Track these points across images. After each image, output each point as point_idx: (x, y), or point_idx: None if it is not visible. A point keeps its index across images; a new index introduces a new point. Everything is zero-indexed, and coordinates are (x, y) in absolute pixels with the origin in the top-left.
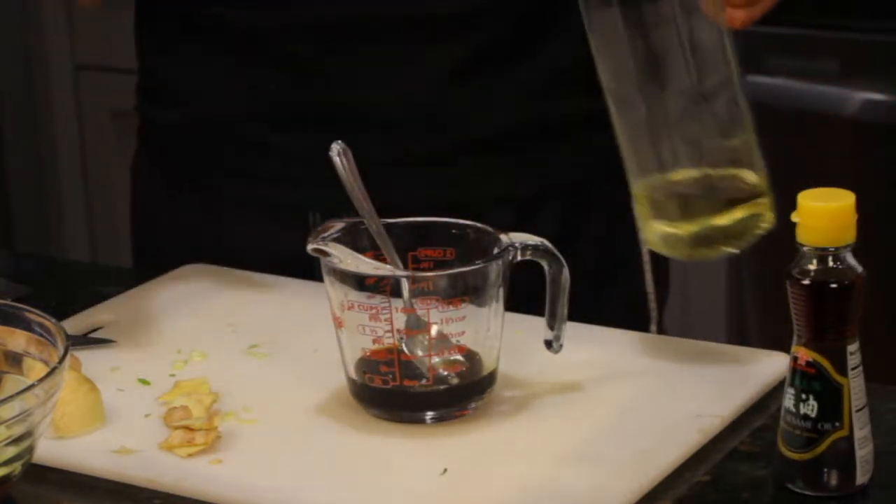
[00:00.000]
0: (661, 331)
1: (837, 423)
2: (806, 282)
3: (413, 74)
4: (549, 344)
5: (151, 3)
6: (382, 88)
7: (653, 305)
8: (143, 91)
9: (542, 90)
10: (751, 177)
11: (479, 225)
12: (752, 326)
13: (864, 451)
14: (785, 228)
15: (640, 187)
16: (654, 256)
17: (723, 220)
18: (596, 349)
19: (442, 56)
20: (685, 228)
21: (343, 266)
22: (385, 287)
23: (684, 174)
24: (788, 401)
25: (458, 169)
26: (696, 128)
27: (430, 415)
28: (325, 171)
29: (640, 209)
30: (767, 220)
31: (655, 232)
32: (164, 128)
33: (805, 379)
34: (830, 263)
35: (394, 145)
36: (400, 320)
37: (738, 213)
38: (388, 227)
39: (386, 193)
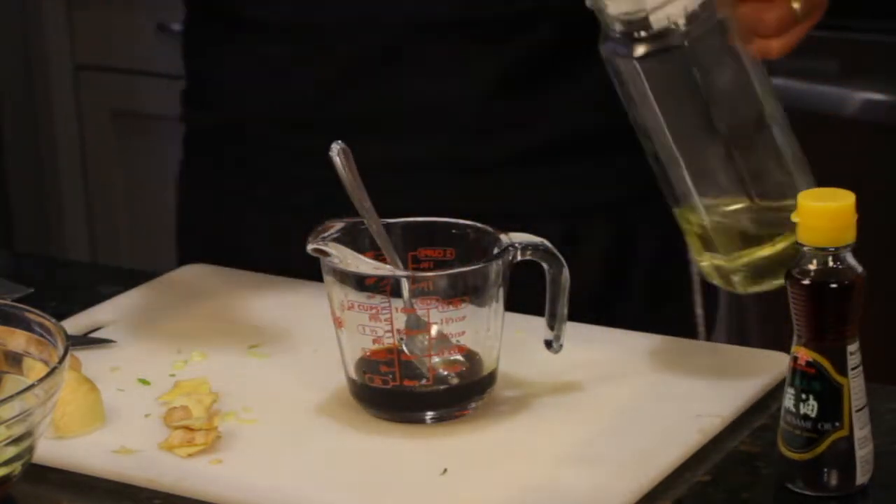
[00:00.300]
0: None
1: (837, 423)
2: (806, 282)
3: (460, 80)
4: (549, 344)
5: (199, 4)
6: (429, 94)
7: (701, 329)
8: (187, 97)
9: (590, 103)
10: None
11: (479, 225)
12: (752, 326)
13: (864, 451)
14: None
15: (684, 223)
16: (704, 280)
17: (771, 249)
18: (596, 349)
19: (490, 62)
20: (735, 262)
21: (343, 266)
22: (385, 287)
23: (727, 209)
24: (788, 401)
25: (503, 178)
26: (733, 167)
27: (430, 415)
28: (369, 175)
29: (691, 242)
30: None
31: (709, 264)
32: (204, 133)
33: (805, 379)
34: (830, 263)
35: (438, 152)
36: (400, 320)
37: (785, 242)
38: (387, 227)
39: (427, 200)
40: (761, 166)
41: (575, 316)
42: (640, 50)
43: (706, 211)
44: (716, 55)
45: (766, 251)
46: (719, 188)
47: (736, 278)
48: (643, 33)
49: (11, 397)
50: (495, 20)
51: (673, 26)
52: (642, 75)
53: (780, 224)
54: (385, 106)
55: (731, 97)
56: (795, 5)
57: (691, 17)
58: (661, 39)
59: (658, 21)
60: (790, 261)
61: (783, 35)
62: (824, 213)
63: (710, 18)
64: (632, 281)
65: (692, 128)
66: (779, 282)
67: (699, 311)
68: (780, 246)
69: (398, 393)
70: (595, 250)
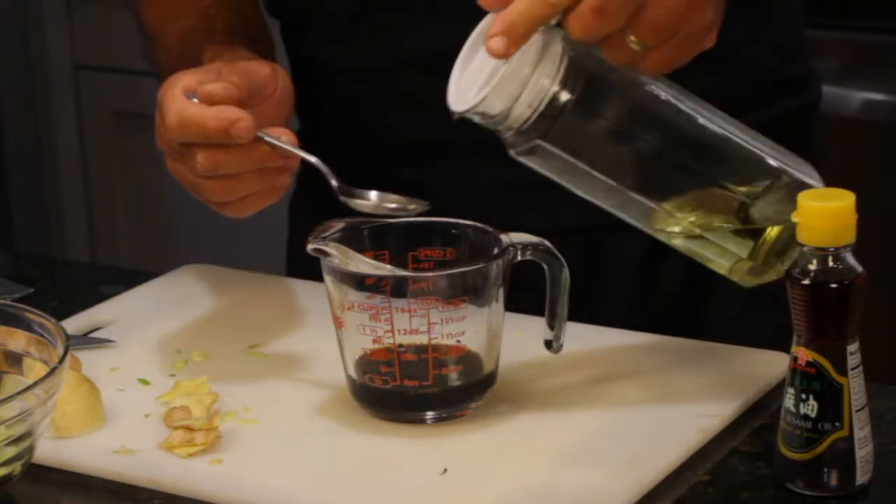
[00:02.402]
0: None
1: (837, 423)
2: (806, 282)
3: None
4: (549, 344)
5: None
6: None
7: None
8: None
9: None
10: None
11: (479, 225)
12: None
13: (864, 451)
14: None
15: (683, 245)
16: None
17: (753, 256)
18: (596, 349)
19: None
20: (724, 268)
21: (343, 266)
22: (385, 287)
23: (688, 227)
24: (788, 401)
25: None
26: (694, 195)
27: (430, 415)
28: (448, 200)
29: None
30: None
31: (728, 269)
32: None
33: (805, 379)
34: (830, 263)
35: (507, 169)
36: (400, 320)
37: (764, 247)
38: (388, 227)
39: (504, 216)
40: (704, 178)
41: (661, 326)
42: (514, 149)
43: (672, 230)
44: (606, 100)
45: (751, 261)
46: (682, 215)
47: (740, 277)
48: (511, 131)
49: (11, 397)
50: None
51: (528, 123)
52: (534, 162)
53: (746, 224)
54: (451, 133)
55: (640, 121)
56: (633, 45)
57: (549, 104)
58: (528, 133)
59: (515, 121)
60: (789, 247)
61: (639, 62)
62: (824, 213)
63: (576, 84)
64: (720, 293)
65: (621, 172)
66: (776, 274)
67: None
68: (761, 248)
69: (398, 393)
70: (678, 262)
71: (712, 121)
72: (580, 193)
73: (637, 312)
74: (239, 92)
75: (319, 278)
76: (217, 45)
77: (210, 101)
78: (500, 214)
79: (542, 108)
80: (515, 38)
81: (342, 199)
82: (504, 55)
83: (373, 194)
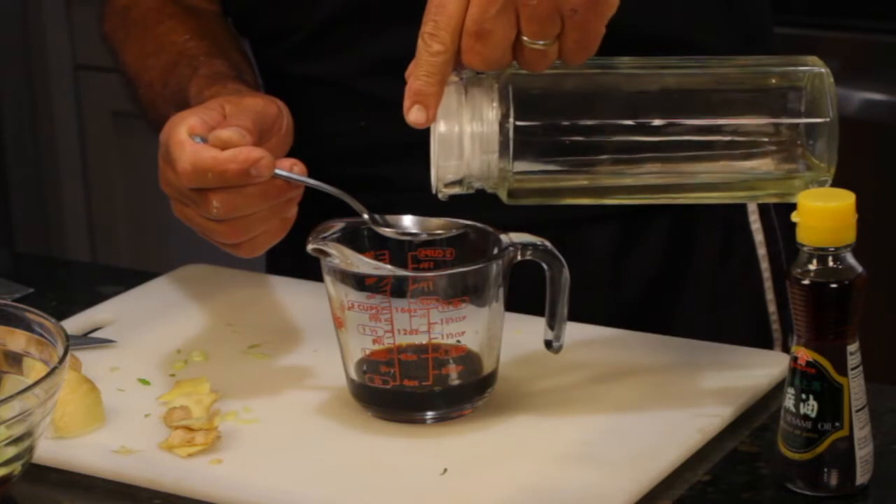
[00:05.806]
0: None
1: (837, 423)
2: (806, 282)
3: None
4: (549, 344)
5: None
6: None
7: (776, 327)
8: None
9: None
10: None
11: (479, 225)
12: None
13: (864, 451)
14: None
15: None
16: (776, 275)
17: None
18: (596, 349)
19: None
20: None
21: (343, 266)
22: (385, 287)
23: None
24: (788, 401)
25: None
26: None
27: (430, 415)
28: (417, 196)
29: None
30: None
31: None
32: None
33: (805, 379)
34: (830, 263)
35: None
36: (400, 320)
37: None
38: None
39: (493, 213)
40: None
41: (633, 317)
42: (508, 198)
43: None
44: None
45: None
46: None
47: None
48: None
49: (11, 397)
50: None
51: (495, 167)
52: (534, 200)
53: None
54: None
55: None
56: (538, 46)
57: (501, 138)
58: (503, 173)
59: (483, 171)
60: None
61: (561, 57)
62: (824, 213)
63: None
64: (695, 283)
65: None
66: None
67: (772, 308)
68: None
69: (398, 393)
70: (652, 250)
71: (680, 69)
72: (596, 200)
73: (608, 304)
74: (252, 137)
75: (298, 277)
76: (202, 78)
77: (224, 147)
78: (469, 210)
79: (496, 146)
80: (427, 100)
81: (377, 229)
82: (427, 120)
83: (407, 220)
